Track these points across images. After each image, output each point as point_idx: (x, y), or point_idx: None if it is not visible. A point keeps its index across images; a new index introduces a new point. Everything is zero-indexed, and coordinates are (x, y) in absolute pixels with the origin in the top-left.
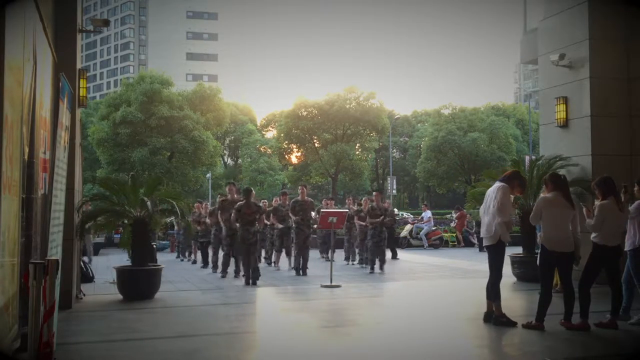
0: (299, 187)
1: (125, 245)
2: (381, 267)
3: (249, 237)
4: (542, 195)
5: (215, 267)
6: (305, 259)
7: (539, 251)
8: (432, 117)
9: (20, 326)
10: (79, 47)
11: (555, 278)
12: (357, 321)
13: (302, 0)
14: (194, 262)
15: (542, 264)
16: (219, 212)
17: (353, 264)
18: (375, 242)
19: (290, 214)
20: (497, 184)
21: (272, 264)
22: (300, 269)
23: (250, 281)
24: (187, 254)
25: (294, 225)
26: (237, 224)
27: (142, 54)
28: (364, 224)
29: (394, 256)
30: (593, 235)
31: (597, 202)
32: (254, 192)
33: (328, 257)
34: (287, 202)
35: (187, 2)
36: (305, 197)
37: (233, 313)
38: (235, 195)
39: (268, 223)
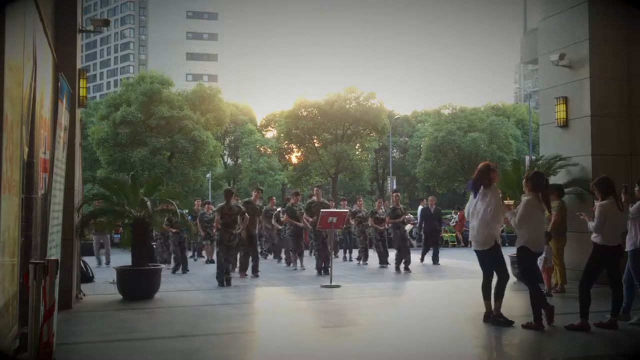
0: (314, 189)
1: (126, 245)
2: (407, 267)
3: (230, 239)
4: (525, 197)
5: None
6: (326, 259)
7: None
8: (432, 117)
9: (20, 326)
10: (79, 47)
11: (556, 278)
12: (357, 321)
13: (303, 0)
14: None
15: (527, 265)
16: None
17: (366, 264)
18: (404, 240)
19: (305, 215)
20: (484, 189)
21: (292, 265)
22: (322, 269)
23: (225, 282)
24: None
25: (310, 226)
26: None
27: (142, 54)
28: (378, 226)
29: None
30: (594, 235)
31: (596, 203)
32: (234, 193)
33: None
34: (299, 202)
35: (187, 2)
36: (321, 199)
37: (233, 313)
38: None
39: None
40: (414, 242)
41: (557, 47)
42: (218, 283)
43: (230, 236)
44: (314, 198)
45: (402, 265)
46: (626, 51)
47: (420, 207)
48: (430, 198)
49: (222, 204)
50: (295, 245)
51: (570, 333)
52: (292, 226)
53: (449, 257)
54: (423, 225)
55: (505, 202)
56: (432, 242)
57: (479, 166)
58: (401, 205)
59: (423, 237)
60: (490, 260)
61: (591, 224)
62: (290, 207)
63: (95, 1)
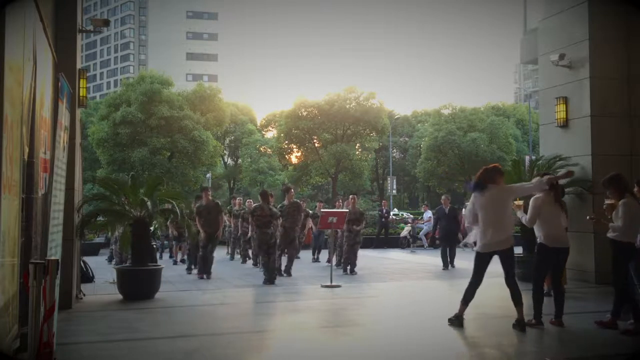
0: (287, 189)
1: (126, 246)
2: (352, 271)
3: (268, 239)
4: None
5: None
6: (290, 260)
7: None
8: (432, 117)
9: (20, 326)
10: (79, 47)
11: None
12: (357, 321)
13: (303, 0)
14: (176, 262)
15: (540, 261)
16: (197, 217)
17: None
18: (350, 245)
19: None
20: (500, 187)
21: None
22: (284, 270)
23: (269, 281)
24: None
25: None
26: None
27: (142, 54)
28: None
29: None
30: (615, 233)
31: (607, 201)
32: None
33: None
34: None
35: (187, 2)
36: (292, 199)
37: (233, 313)
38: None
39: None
40: (412, 242)
41: (557, 47)
42: (268, 283)
43: (267, 236)
44: (285, 200)
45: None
46: (626, 51)
47: (425, 213)
48: (443, 197)
49: (256, 204)
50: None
51: (570, 333)
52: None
53: None
54: (438, 226)
55: (515, 202)
56: (447, 243)
57: (488, 167)
58: (358, 208)
59: (437, 239)
60: (512, 261)
61: (615, 225)
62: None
63: (95, 1)
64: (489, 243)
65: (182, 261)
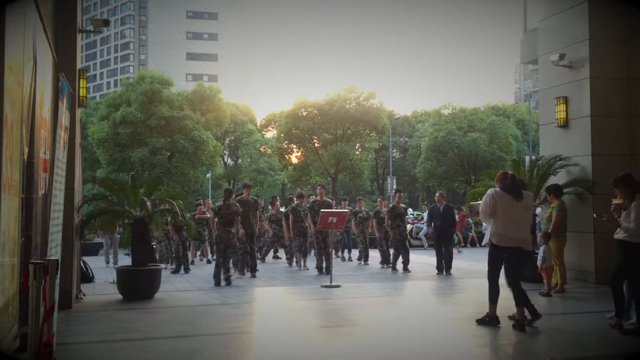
0: (318, 188)
1: (126, 245)
2: (405, 268)
3: (230, 237)
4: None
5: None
6: (328, 259)
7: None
8: (432, 117)
9: (20, 326)
10: (79, 47)
11: (556, 278)
12: (357, 321)
13: (303, 0)
14: (192, 262)
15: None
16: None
17: (367, 264)
18: (401, 241)
19: (308, 215)
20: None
21: (296, 265)
22: (324, 268)
23: (225, 282)
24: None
25: (311, 225)
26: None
27: (142, 54)
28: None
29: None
30: (626, 234)
31: (615, 201)
32: (233, 193)
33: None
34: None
35: (187, 2)
36: (324, 197)
37: (233, 313)
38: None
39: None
40: (413, 242)
41: (557, 47)
42: (214, 282)
43: (229, 234)
44: (317, 197)
45: (400, 265)
46: (626, 51)
47: (425, 213)
48: (438, 194)
49: (220, 203)
50: (300, 245)
51: (571, 333)
52: (297, 226)
53: None
54: (432, 226)
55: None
56: (440, 245)
57: (514, 175)
58: (402, 205)
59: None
60: (520, 261)
61: (628, 226)
62: (294, 208)
63: (95, 1)
64: (507, 237)
65: (209, 261)
